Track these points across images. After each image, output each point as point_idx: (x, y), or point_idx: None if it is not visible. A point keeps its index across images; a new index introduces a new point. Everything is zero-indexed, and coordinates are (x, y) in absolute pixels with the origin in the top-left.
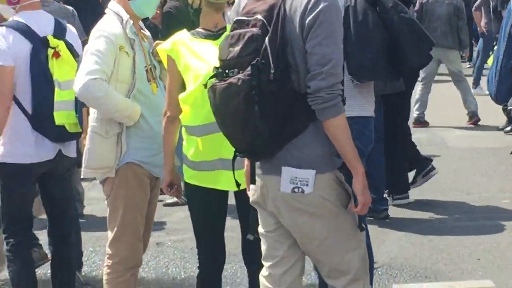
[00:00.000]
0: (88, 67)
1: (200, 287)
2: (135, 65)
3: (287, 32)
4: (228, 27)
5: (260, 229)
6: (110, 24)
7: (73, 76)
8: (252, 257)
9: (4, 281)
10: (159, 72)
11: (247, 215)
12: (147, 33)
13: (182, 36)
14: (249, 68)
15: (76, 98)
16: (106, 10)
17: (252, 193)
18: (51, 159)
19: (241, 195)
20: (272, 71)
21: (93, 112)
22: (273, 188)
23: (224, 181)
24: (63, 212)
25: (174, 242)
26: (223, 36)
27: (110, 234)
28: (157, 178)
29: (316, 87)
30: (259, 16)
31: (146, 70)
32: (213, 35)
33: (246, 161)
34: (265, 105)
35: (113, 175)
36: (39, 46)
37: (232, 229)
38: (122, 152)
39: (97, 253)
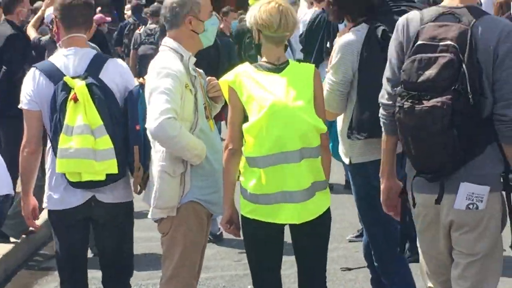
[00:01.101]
0: (160, 106)
1: None
2: (197, 103)
3: (480, 59)
4: (291, 61)
5: (425, 250)
6: (173, 61)
7: (87, 120)
8: None
9: None
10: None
11: (304, 249)
12: (200, 70)
13: (245, 68)
14: (449, 92)
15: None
16: (162, 48)
17: (419, 218)
18: (83, 205)
19: (299, 229)
20: (470, 96)
21: (161, 151)
22: (447, 205)
23: (284, 215)
24: (112, 262)
25: (205, 280)
26: (286, 69)
27: (165, 272)
28: (210, 215)
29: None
30: (451, 42)
31: (205, 107)
32: (276, 68)
33: (387, 190)
34: (463, 128)
35: (174, 214)
36: (60, 88)
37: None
38: (185, 191)
39: None
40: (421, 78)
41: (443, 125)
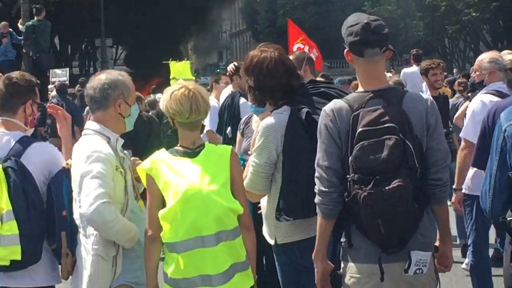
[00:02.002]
0: (94, 191)
1: None
2: (126, 184)
3: (417, 134)
4: (207, 144)
5: None
6: (101, 145)
7: None
8: None
9: None
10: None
11: None
12: (125, 151)
13: (160, 155)
14: (404, 170)
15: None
16: (86, 131)
17: (357, 287)
18: None
19: None
20: (419, 170)
21: (93, 235)
22: (395, 273)
23: None
24: None
25: None
26: (202, 153)
27: None
28: None
29: (445, 178)
30: (392, 124)
31: (133, 188)
32: (192, 152)
33: (321, 272)
34: (418, 201)
35: None
36: None
37: None
38: (116, 274)
39: None
40: (375, 163)
41: (408, 202)
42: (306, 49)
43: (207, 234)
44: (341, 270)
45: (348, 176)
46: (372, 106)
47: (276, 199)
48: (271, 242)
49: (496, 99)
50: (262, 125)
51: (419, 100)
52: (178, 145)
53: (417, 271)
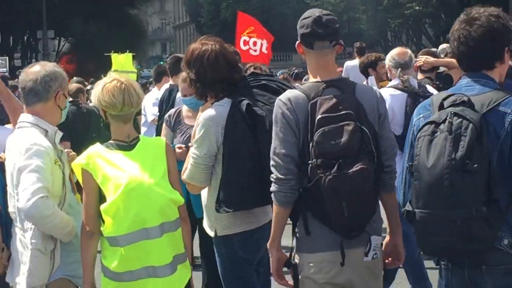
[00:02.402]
0: (32, 185)
1: None
2: (64, 177)
3: (370, 121)
4: (141, 136)
5: None
6: (40, 138)
7: None
8: None
9: None
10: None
11: None
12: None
13: (96, 149)
14: (364, 154)
15: None
16: (20, 124)
17: (319, 276)
18: None
19: None
20: (375, 154)
21: (30, 229)
22: (356, 259)
23: None
24: None
25: None
26: (138, 146)
27: None
28: None
29: (394, 165)
30: (349, 111)
31: (70, 180)
32: (127, 145)
33: (277, 261)
34: (376, 186)
35: None
36: None
37: None
38: (54, 267)
39: None
40: (336, 148)
41: (370, 184)
42: (252, 41)
43: (152, 226)
44: (295, 261)
45: (310, 162)
46: (327, 94)
47: (216, 191)
48: (211, 234)
49: (397, 92)
50: (203, 117)
51: (369, 90)
52: (112, 138)
53: (374, 256)
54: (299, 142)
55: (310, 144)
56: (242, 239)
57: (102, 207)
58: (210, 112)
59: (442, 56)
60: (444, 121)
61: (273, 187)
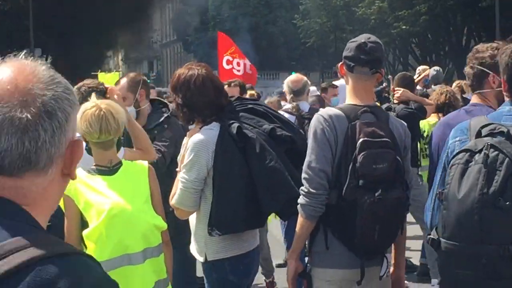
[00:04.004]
0: None
1: None
2: None
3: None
4: (124, 161)
5: None
6: None
7: None
8: None
9: None
10: None
11: None
12: None
13: (78, 175)
14: (399, 183)
15: None
16: None
17: None
18: None
19: None
20: (405, 185)
21: None
22: (372, 276)
23: None
24: None
25: None
26: (120, 171)
27: None
28: None
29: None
30: (387, 139)
31: None
32: (110, 170)
33: (294, 271)
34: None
35: None
36: None
37: None
38: None
39: None
40: (377, 172)
41: (403, 211)
42: (235, 62)
43: (134, 252)
44: (310, 273)
45: (351, 181)
46: (365, 119)
47: (206, 215)
48: (201, 259)
49: (286, 115)
50: (192, 141)
51: (398, 121)
52: (94, 164)
53: (387, 274)
54: (334, 159)
55: (351, 164)
56: (233, 263)
57: (85, 232)
58: (199, 136)
59: (416, 75)
60: (480, 151)
61: (302, 200)
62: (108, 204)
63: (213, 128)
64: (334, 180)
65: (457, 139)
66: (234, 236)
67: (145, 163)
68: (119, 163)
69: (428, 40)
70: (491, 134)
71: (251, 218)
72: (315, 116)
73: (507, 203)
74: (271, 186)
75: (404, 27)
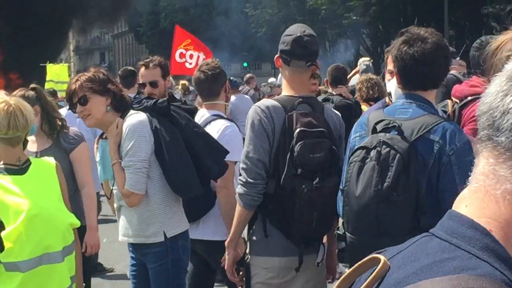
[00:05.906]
0: None
1: None
2: None
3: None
4: (31, 158)
5: None
6: None
7: None
8: None
9: None
10: None
11: None
12: None
13: None
14: (334, 171)
15: None
16: None
17: (275, 281)
18: None
19: None
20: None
21: None
22: (309, 264)
23: None
24: None
25: None
26: (30, 169)
27: None
28: None
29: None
30: (323, 129)
31: None
32: (20, 169)
33: (234, 252)
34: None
35: None
36: None
37: None
38: None
39: None
40: (314, 161)
41: (333, 199)
42: (188, 54)
43: (55, 251)
44: (248, 262)
45: (289, 170)
46: (301, 110)
47: (155, 193)
48: (158, 239)
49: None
50: (127, 126)
51: (333, 112)
52: (3, 163)
53: (323, 262)
54: (271, 149)
55: (289, 154)
56: (184, 239)
57: (4, 233)
58: (131, 121)
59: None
60: (374, 148)
61: (240, 190)
62: (26, 205)
63: (139, 112)
64: (272, 169)
65: (358, 134)
66: (181, 210)
67: (51, 160)
68: (28, 161)
69: (379, 30)
70: (385, 129)
71: (201, 182)
72: (252, 107)
73: (400, 197)
74: (210, 149)
75: (354, 17)
